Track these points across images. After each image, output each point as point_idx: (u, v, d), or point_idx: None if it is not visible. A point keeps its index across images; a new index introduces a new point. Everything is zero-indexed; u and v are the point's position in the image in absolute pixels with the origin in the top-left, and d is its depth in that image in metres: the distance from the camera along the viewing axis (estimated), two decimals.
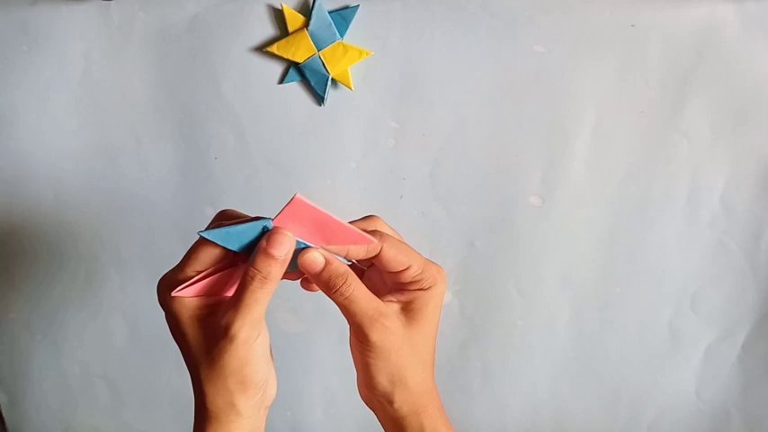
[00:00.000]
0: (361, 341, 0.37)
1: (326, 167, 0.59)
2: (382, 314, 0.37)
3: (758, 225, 0.58)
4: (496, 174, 0.58)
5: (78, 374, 0.69)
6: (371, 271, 0.41)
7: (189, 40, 0.55)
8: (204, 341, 0.36)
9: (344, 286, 0.36)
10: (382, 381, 0.38)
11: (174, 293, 0.36)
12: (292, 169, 0.59)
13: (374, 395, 0.39)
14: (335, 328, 0.65)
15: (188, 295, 0.37)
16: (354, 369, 0.41)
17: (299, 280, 0.40)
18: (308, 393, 0.68)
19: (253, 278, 0.35)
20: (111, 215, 0.62)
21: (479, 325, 0.64)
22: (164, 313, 0.38)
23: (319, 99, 0.56)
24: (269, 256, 0.35)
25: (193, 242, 0.37)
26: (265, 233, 0.36)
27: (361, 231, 0.37)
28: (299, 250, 0.37)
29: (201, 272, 0.36)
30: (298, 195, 0.35)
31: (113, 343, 0.67)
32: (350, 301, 0.36)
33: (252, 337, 0.35)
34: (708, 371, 0.63)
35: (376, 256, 0.37)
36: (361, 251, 0.37)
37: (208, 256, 0.36)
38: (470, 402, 0.67)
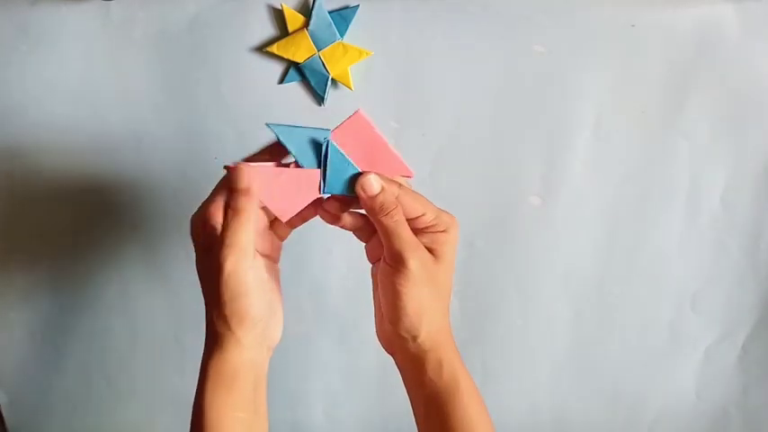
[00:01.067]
0: (397, 268, 0.39)
1: None
2: (419, 244, 0.40)
3: (758, 225, 0.58)
4: (496, 174, 0.58)
5: (78, 374, 0.69)
6: None
7: (189, 40, 0.55)
8: (208, 271, 0.39)
9: (395, 211, 0.39)
10: (411, 312, 0.39)
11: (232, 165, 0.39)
12: None
13: (399, 329, 0.40)
14: (335, 328, 0.65)
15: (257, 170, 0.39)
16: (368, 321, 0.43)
17: (317, 212, 0.42)
18: (308, 393, 0.68)
19: (226, 212, 0.39)
20: (111, 215, 0.62)
21: (479, 325, 0.64)
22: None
23: (319, 99, 0.56)
24: (233, 191, 0.38)
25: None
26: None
27: (404, 162, 0.40)
28: (350, 175, 0.39)
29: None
30: (360, 111, 0.38)
31: (113, 343, 0.67)
32: (397, 224, 0.39)
33: (239, 269, 0.38)
34: (708, 371, 0.63)
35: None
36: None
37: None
38: None
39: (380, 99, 0.56)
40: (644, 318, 0.62)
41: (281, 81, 0.56)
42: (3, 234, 0.63)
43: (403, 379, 0.43)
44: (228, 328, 0.39)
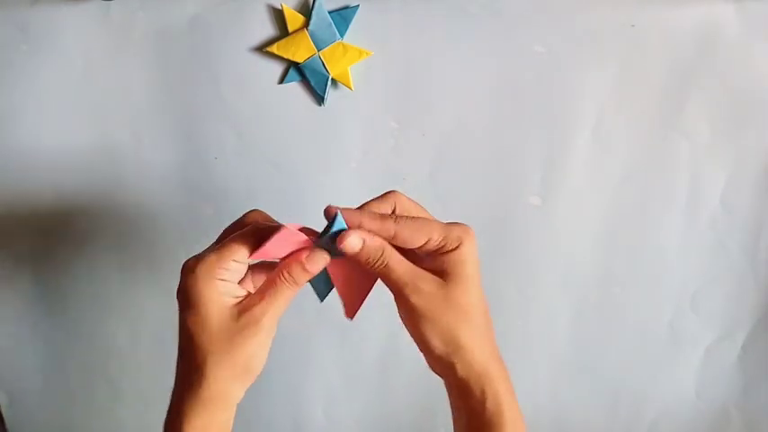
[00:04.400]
0: (403, 307, 0.39)
1: (326, 167, 0.59)
2: (417, 277, 0.39)
3: (758, 225, 0.58)
4: (496, 174, 0.58)
5: (78, 374, 0.69)
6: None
7: (189, 40, 0.55)
8: (227, 326, 0.38)
9: (381, 258, 0.38)
10: (436, 343, 0.39)
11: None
12: (292, 169, 0.59)
13: (437, 361, 0.40)
14: (335, 328, 0.65)
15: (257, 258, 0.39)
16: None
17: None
18: (309, 393, 0.68)
19: (285, 281, 0.39)
20: (111, 215, 0.62)
21: None
22: (181, 293, 0.41)
23: (319, 99, 0.56)
24: (305, 270, 0.39)
25: (219, 237, 0.40)
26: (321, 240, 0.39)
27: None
28: (334, 234, 0.38)
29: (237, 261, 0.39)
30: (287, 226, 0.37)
31: (113, 343, 0.67)
32: (388, 269, 0.39)
33: (273, 330, 0.39)
34: (708, 371, 0.63)
35: (393, 239, 0.39)
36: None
37: (248, 249, 0.39)
38: None
39: (380, 99, 0.56)
40: (644, 318, 0.62)
41: (281, 81, 0.56)
42: (3, 234, 0.63)
43: (449, 399, 0.42)
44: (229, 385, 0.39)
